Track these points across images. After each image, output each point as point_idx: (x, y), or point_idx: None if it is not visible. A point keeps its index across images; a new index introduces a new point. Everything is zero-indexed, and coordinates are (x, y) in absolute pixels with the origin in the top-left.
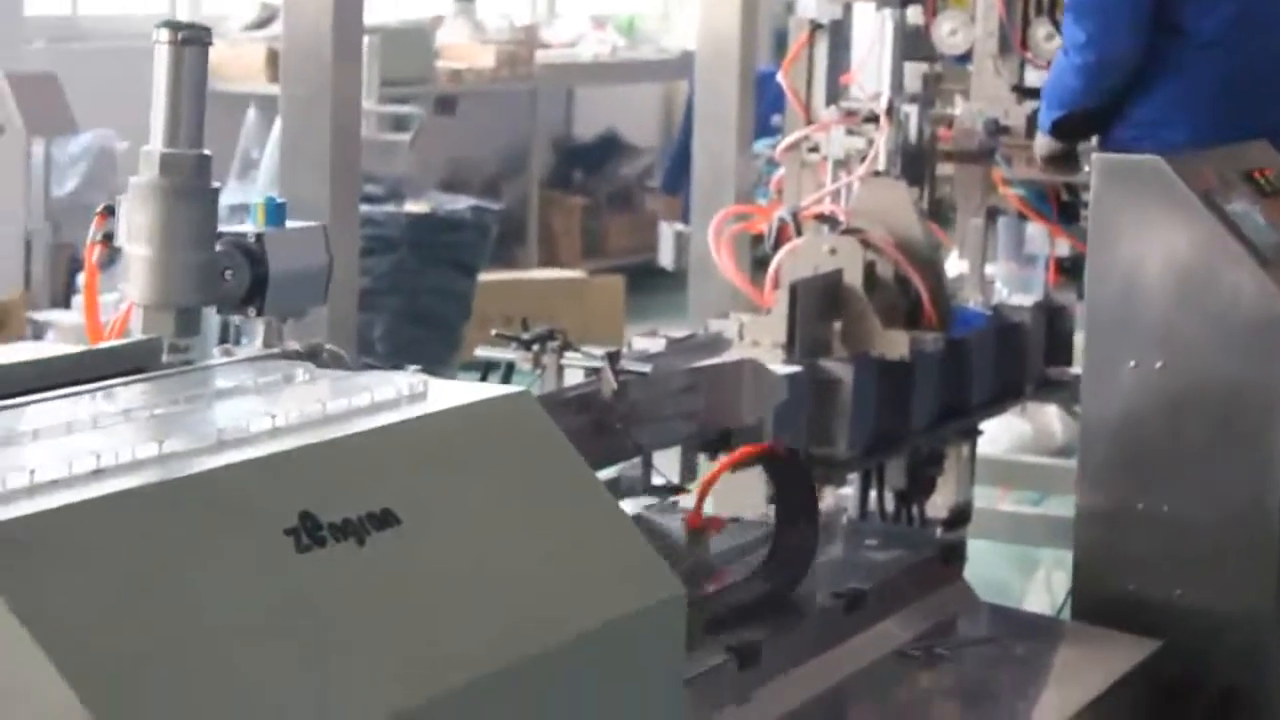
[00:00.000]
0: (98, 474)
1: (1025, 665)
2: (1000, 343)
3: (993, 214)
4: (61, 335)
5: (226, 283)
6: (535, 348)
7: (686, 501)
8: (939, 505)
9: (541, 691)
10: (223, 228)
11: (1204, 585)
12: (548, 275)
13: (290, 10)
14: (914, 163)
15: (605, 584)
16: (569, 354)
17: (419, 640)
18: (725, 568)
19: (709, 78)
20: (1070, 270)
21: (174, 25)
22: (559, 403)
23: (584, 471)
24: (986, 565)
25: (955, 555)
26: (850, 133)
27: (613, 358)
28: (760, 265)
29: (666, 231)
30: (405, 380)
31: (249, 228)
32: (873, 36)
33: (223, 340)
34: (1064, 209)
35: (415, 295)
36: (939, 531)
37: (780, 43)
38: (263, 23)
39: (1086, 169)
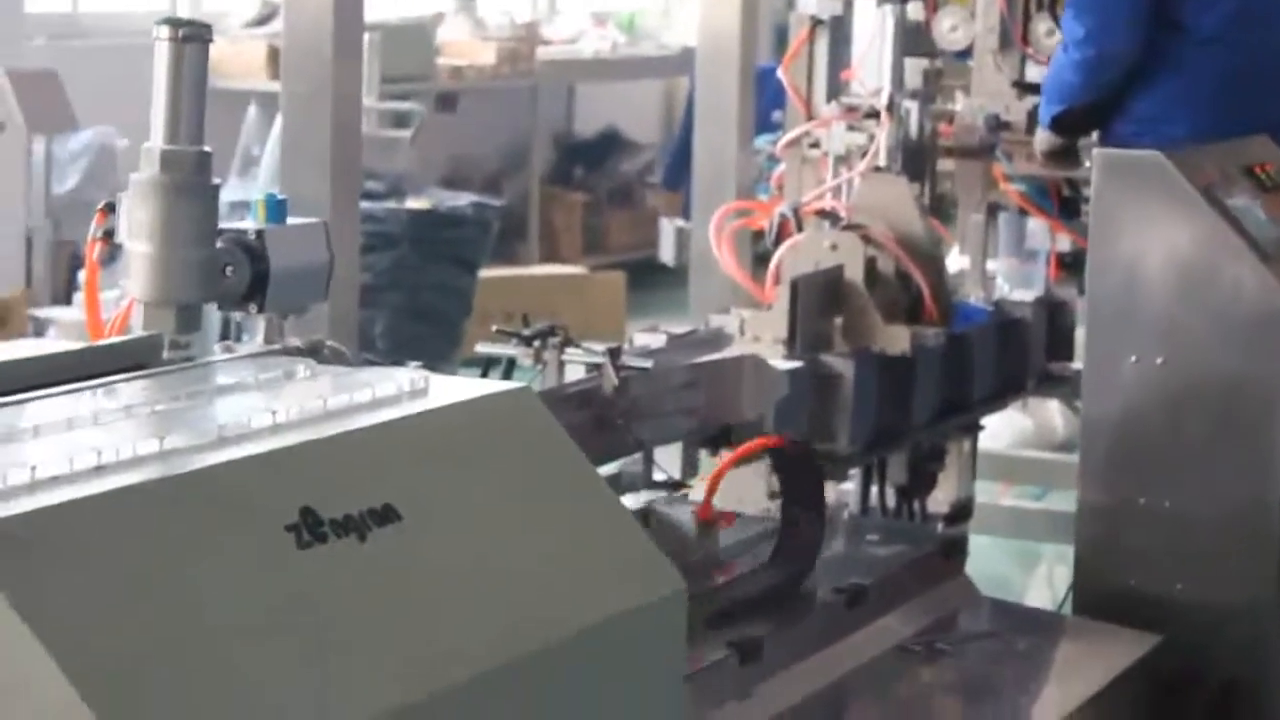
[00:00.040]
0: (99, 470)
1: (1027, 660)
2: (1001, 338)
3: (994, 209)
4: (63, 332)
5: (227, 279)
6: (536, 344)
7: (694, 495)
8: (940, 500)
9: (543, 687)
10: (223, 224)
11: (1205, 580)
12: (549, 271)
13: (291, 7)
14: (915, 158)
15: (606, 580)
16: (570, 350)
17: (420, 636)
18: (734, 561)
19: (710, 74)
20: (1071, 265)
21: (174, 22)
22: (560, 398)
23: (585, 467)
24: (988, 560)
25: (956, 550)
26: (851, 128)
27: (614, 353)
28: (761, 261)
29: (667, 227)
30: (406, 376)
31: (250, 224)
32: (873, 32)
33: (224, 337)
34: (1065, 204)
35: (416, 291)
36: (940, 527)
37: (781, 39)
38: (263, 20)
39: (1087, 164)
